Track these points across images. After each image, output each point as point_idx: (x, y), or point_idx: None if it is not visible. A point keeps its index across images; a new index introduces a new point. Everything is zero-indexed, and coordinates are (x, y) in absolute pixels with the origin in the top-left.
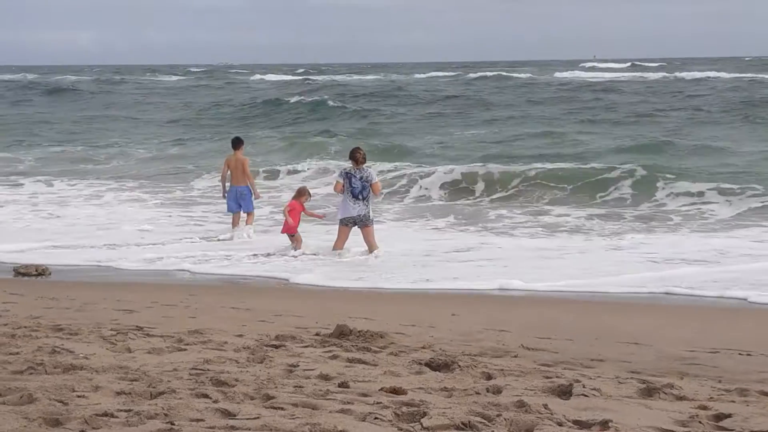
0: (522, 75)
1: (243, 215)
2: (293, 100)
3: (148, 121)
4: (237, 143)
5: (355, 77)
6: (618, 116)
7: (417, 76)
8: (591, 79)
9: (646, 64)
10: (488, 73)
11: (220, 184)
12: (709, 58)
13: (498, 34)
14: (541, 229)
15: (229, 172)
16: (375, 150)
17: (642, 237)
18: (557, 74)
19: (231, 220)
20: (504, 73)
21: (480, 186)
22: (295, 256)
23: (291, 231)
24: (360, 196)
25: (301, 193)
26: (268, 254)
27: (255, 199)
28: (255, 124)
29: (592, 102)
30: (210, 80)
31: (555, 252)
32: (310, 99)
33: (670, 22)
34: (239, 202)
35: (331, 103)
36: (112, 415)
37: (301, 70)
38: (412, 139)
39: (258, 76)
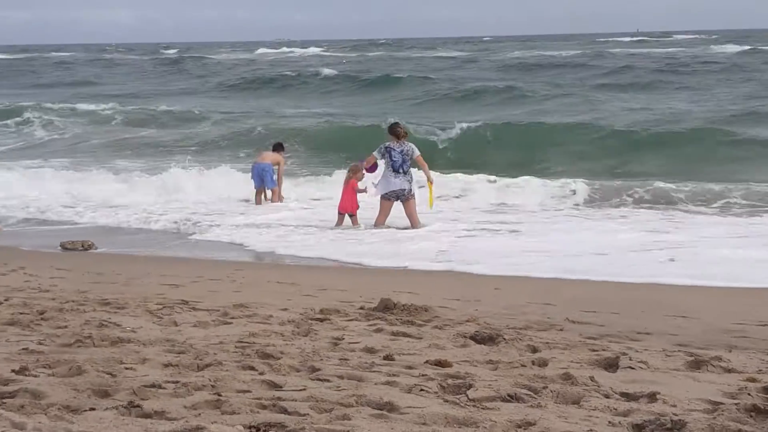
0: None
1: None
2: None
3: None
4: (277, 147)
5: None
6: None
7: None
8: None
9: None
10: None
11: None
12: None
13: (517, 9)
14: None
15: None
16: None
17: None
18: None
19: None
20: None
21: None
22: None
23: (347, 210)
24: (401, 170)
25: (355, 170)
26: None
27: (278, 201)
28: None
29: None
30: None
31: None
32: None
33: None
34: (262, 178)
35: None
36: (160, 386)
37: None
38: None
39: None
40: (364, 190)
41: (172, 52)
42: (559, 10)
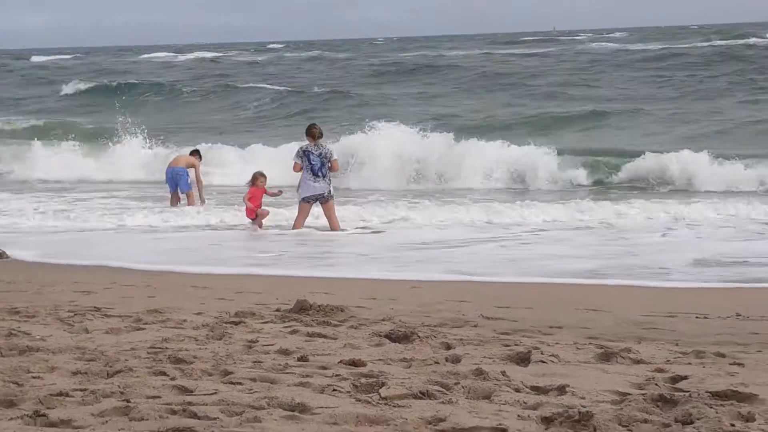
0: None
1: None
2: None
3: None
4: (194, 153)
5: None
6: None
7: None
8: None
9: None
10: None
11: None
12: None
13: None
14: None
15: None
16: None
17: None
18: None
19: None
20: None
21: None
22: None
23: (252, 215)
24: (320, 173)
25: (256, 178)
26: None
27: (201, 205)
28: None
29: None
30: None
31: None
32: None
33: None
34: (176, 181)
35: None
36: (68, 395)
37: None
38: None
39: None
40: (280, 193)
41: None
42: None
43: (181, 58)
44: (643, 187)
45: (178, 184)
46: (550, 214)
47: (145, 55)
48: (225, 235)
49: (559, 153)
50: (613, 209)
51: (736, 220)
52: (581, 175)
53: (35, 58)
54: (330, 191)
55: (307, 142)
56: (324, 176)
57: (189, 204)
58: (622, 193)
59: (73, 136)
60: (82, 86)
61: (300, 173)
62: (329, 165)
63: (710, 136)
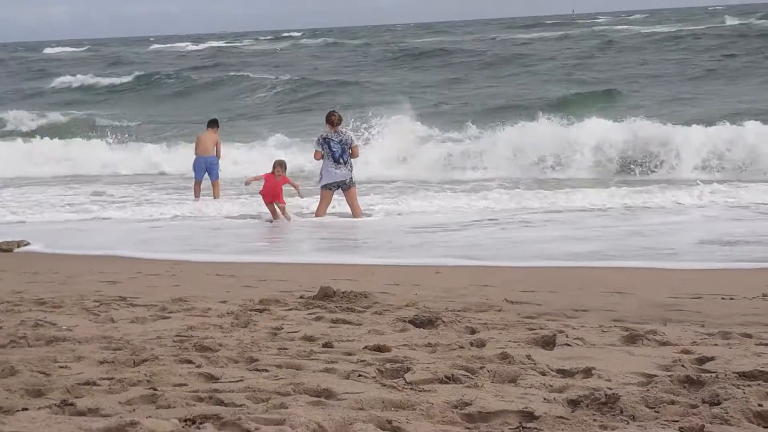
0: None
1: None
2: None
3: None
4: (212, 123)
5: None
6: None
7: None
8: None
9: None
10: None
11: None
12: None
13: None
14: None
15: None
16: None
17: None
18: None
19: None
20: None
21: None
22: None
23: (267, 200)
24: (341, 160)
25: (274, 165)
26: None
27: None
28: None
29: None
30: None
31: None
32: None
33: None
34: (208, 170)
35: None
36: (95, 384)
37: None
38: None
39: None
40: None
41: None
42: None
43: (191, 47)
44: None
45: (210, 173)
46: None
47: (156, 46)
48: (246, 223)
49: None
50: None
51: None
52: None
53: (48, 50)
54: (351, 178)
55: (326, 130)
56: (345, 163)
57: (216, 194)
58: None
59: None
60: (70, 80)
61: (321, 161)
62: (350, 151)
63: None
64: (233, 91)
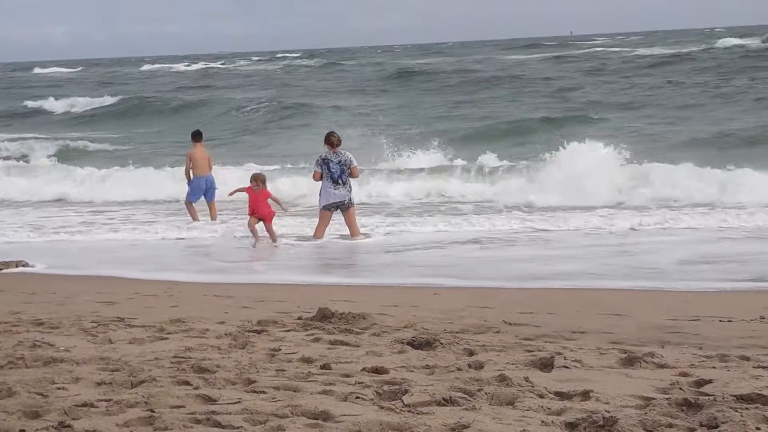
0: None
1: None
2: None
3: None
4: (197, 136)
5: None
6: None
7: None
8: None
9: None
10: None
11: (185, 176)
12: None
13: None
14: None
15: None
16: None
17: None
18: None
19: (189, 211)
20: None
21: None
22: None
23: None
24: (340, 180)
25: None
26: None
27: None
28: None
29: None
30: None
31: None
32: None
33: None
34: (208, 190)
35: None
36: (92, 405)
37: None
38: None
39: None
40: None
41: None
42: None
43: (183, 68)
44: None
45: (207, 193)
46: None
47: (148, 67)
48: (243, 244)
49: None
50: None
51: None
52: None
53: (37, 70)
54: (350, 198)
55: (326, 151)
56: (344, 183)
57: (213, 215)
58: None
59: None
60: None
61: (320, 182)
62: (349, 172)
63: None
64: (205, 113)
